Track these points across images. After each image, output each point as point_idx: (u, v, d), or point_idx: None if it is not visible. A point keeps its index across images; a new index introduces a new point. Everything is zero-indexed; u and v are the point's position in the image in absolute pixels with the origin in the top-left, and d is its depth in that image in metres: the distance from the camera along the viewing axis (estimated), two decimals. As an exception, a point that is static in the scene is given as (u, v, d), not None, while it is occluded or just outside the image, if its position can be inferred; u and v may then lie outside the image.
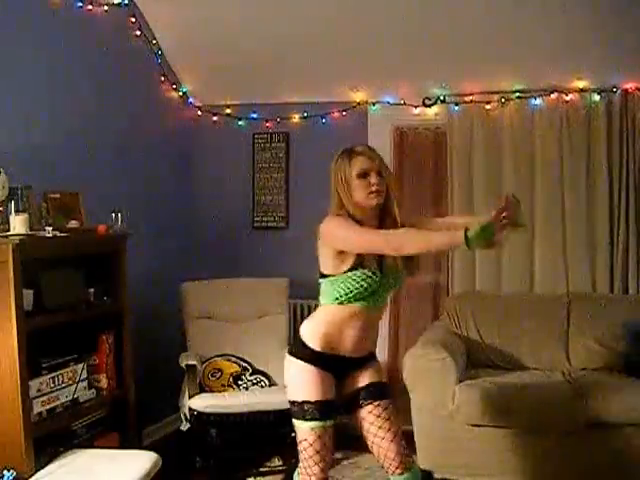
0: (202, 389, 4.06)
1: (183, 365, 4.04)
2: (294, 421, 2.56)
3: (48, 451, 2.96)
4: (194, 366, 4.03)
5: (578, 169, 4.47)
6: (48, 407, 3.00)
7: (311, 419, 2.51)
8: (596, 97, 4.41)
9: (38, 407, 2.93)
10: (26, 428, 2.79)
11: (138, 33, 4.45)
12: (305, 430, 2.52)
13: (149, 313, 4.34)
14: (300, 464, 2.58)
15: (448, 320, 4.45)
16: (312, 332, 2.58)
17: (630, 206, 4.39)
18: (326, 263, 2.53)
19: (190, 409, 3.87)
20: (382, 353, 4.89)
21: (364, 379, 2.63)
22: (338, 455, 4.16)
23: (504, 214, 2.20)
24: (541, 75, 4.42)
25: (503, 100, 4.57)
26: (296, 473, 2.67)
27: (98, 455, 3.04)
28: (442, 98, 4.67)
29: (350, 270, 2.47)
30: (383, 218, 2.57)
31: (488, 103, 4.61)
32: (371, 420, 2.59)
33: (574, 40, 4.13)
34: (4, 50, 3.33)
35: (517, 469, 3.65)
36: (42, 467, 2.85)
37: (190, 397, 3.91)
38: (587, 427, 3.56)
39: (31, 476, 2.78)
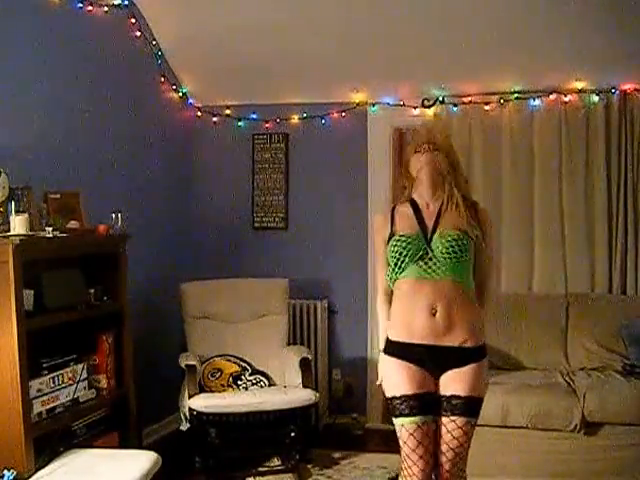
0: (202, 389, 4.06)
1: (183, 365, 4.05)
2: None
3: (48, 451, 2.96)
4: (194, 366, 4.03)
5: (577, 170, 4.48)
6: (48, 407, 3.00)
7: (399, 415, 2.41)
8: (595, 98, 4.43)
9: (38, 407, 2.93)
10: (26, 428, 2.79)
11: (138, 34, 4.45)
12: (397, 427, 2.42)
13: (149, 313, 4.35)
14: (401, 466, 2.48)
15: (447, 320, 4.45)
16: (390, 322, 2.51)
17: (628, 206, 4.40)
18: None
19: (190, 409, 3.87)
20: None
21: (451, 387, 2.42)
22: (337, 455, 4.17)
23: None
24: (540, 76, 4.43)
25: (502, 101, 4.58)
26: (401, 476, 2.53)
27: (98, 455, 3.04)
28: (441, 99, 4.68)
29: (389, 240, 2.47)
30: (443, 207, 2.53)
31: (487, 104, 4.62)
32: (442, 433, 2.43)
33: (573, 41, 4.14)
34: (4, 50, 3.33)
35: (516, 469, 3.66)
36: (42, 467, 2.85)
37: (190, 397, 3.91)
38: (586, 427, 3.57)
39: (31, 476, 2.78)
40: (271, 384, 4.26)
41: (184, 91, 5.02)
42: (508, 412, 3.63)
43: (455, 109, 4.67)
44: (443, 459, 2.43)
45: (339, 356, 4.94)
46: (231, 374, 4.20)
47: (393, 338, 2.48)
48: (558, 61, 4.31)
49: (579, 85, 4.44)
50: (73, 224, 3.43)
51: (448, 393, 2.41)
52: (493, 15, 4.08)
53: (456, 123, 4.68)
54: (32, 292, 2.96)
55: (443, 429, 2.41)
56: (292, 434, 4.01)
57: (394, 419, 2.45)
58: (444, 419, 2.41)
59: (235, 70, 4.76)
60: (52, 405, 3.02)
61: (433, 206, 2.53)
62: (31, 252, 2.88)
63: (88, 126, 3.95)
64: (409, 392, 2.40)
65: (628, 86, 4.38)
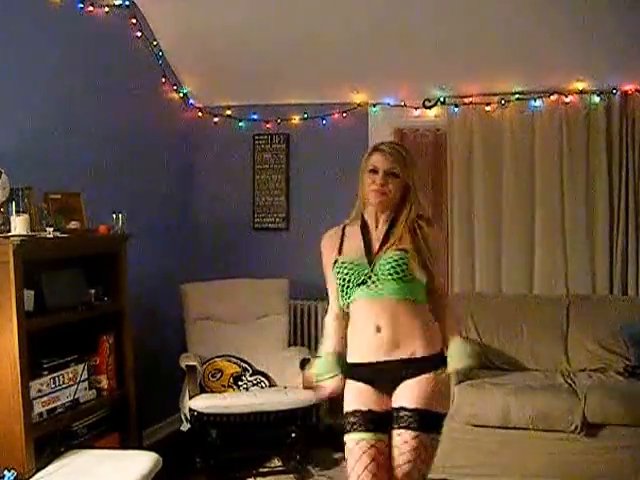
0: (202, 390, 4.06)
1: (183, 366, 4.05)
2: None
3: (49, 451, 2.97)
4: (194, 367, 4.03)
5: (578, 170, 4.48)
6: (49, 407, 3.00)
7: (348, 431, 2.39)
8: (596, 99, 4.42)
9: (39, 407, 2.93)
10: (27, 428, 2.79)
11: (139, 34, 4.45)
12: (347, 442, 2.39)
13: (149, 314, 4.35)
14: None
15: (448, 321, 4.45)
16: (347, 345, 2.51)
17: (630, 207, 4.40)
18: None
19: (190, 410, 3.87)
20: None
21: (400, 398, 2.36)
22: (337, 455, 4.17)
23: None
24: (541, 77, 4.43)
25: (503, 102, 4.58)
26: None
27: (99, 455, 3.04)
28: (442, 100, 4.68)
29: (333, 264, 2.48)
30: (392, 226, 2.48)
31: (488, 105, 4.61)
32: (391, 446, 2.33)
33: (574, 42, 4.14)
34: (4, 51, 3.33)
35: (516, 469, 3.66)
36: (43, 467, 2.86)
37: (190, 398, 3.91)
38: (586, 428, 3.56)
39: (32, 476, 2.78)
40: (272, 385, 4.25)
41: (185, 91, 5.02)
42: (509, 413, 3.63)
43: (456, 110, 4.67)
44: (395, 476, 2.30)
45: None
46: (232, 375, 4.20)
47: (349, 360, 2.48)
48: (559, 62, 4.30)
49: (580, 86, 4.44)
50: (74, 224, 3.43)
51: (397, 405, 2.35)
52: (494, 16, 4.07)
53: (457, 124, 4.68)
54: (33, 292, 2.97)
55: (392, 443, 2.32)
56: (293, 435, 4.01)
57: (345, 436, 2.42)
58: (393, 432, 2.33)
59: (236, 71, 4.76)
60: (53, 405, 3.03)
61: (382, 227, 2.51)
62: (32, 252, 2.88)
63: (89, 126, 3.95)
64: (360, 408, 2.39)
65: (629, 87, 4.38)
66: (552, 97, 4.50)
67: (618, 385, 3.80)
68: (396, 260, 2.38)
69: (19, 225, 2.90)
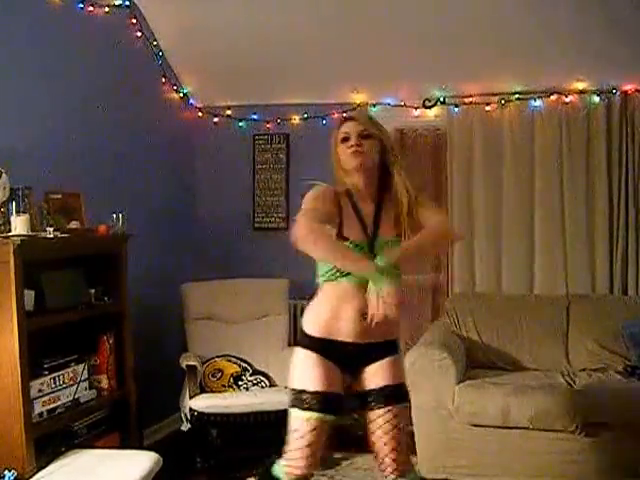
0: (203, 389, 4.06)
1: (183, 365, 4.05)
2: (289, 409, 2.44)
3: (49, 451, 2.97)
4: (194, 366, 4.04)
5: (578, 170, 4.48)
6: (49, 407, 3.00)
7: (308, 409, 2.37)
8: (596, 99, 4.42)
9: (39, 407, 2.93)
10: (27, 428, 2.79)
11: (139, 34, 4.45)
12: (300, 420, 2.39)
13: (150, 314, 4.35)
14: (287, 455, 2.44)
15: (448, 320, 4.46)
16: (310, 317, 2.48)
17: (629, 207, 4.40)
18: None
19: (191, 409, 3.88)
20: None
21: (379, 379, 2.44)
22: (338, 455, 4.17)
23: None
24: (541, 77, 4.43)
25: (503, 101, 4.58)
26: (278, 464, 2.50)
27: (99, 455, 3.04)
28: (442, 99, 4.68)
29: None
30: (381, 199, 2.44)
31: (488, 104, 4.62)
32: (379, 424, 2.43)
33: (574, 42, 4.14)
34: (4, 51, 3.33)
35: (517, 469, 3.66)
36: (43, 467, 2.85)
37: (191, 397, 3.91)
38: (586, 427, 3.56)
39: (32, 476, 2.78)
40: (272, 384, 4.26)
41: (185, 91, 5.02)
42: (509, 413, 3.63)
43: (456, 110, 4.67)
44: (387, 450, 2.43)
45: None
46: (232, 374, 4.20)
47: (313, 334, 2.44)
48: (559, 62, 4.30)
49: (580, 86, 4.44)
50: (74, 224, 3.44)
51: (379, 385, 2.42)
52: (494, 15, 4.08)
53: (457, 124, 4.69)
54: (33, 292, 2.97)
55: (380, 420, 2.41)
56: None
57: (298, 411, 2.39)
58: (379, 411, 2.41)
59: (236, 71, 4.76)
60: (53, 405, 3.03)
61: (370, 206, 2.46)
62: (32, 252, 2.88)
63: (89, 126, 3.95)
64: (322, 389, 2.38)
65: (629, 87, 4.38)
66: (552, 97, 4.50)
67: (618, 385, 3.80)
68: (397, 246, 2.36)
69: (19, 225, 2.90)
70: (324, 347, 2.41)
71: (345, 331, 2.39)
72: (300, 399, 2.39)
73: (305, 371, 2.42)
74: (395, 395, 2.43)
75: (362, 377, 2.46)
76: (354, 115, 2.52)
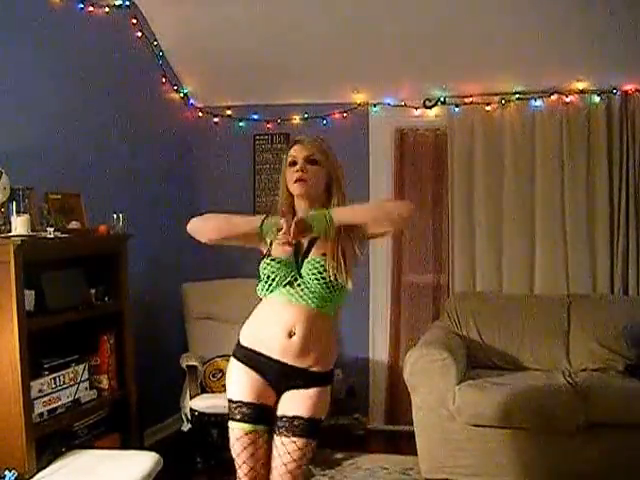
0: (203, 390, 4.06)
1: (184, 366, 4.05)
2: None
3: (49, 452, 2.97)
4: (195, 367, 4.03)
5: (578, 170, 4.48)
6: (49, 408, 3.00)
7: (231, 419, 2.37)
8: (596, 98, 4.42)
9: (39, 407, 2.93)
10: (27, 429, 2.79)
11: (139, 34, 4.45)
12: (231, 432, 2.38)
13: (150, 314, 4.35)
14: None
15: (448, 320, 4.45)
16: (243, 327, 2.48)
17: (630, 207, 4.40)
18: None
19: (191, 410, 3.87)
20: (383, 353, 4.90)
21: (293, 407, 2.36)
22: (339, 455, 4.17)
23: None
24: (541, 76, 4.43)
25: (503, 101, 4.58)
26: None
27: (99, 455, 3.04)
28: (443, 99, 4.68)
29: (263, 257, 2.40)
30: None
31: (488, 104, 4.62)
32: (279, 452, 2.35)
33: (574, 41, 4.15)
34: (5, 51, 3.33)
35: (517, 469, 3.66)
36: (43, 467, 2.85)
37: (191, 398, 3.91)
38: (587, 427, 3.56)
39: (32, 476, 2.78)
40: (272, 385, 4.25)
41: (185, 92, 5.02)
42: (510, 413, 3.63)
43: (456, 109, 4.67)
44: (276, 479, 2.36)
45: (341, 357, 4.89)
46: (232, 375, 4.19)
47: (242, 343, 2.44)
48: (559, 62, 4.31)
49: (580, 86, 4.44)
50: (74, 224, 3.44)
51: (290, 413, 2.35)
52: (494, 15, 4.08)
53: (457, 123, 4.68)
54: (33, 292, 2.97)
55: (281, 449, 2.34)
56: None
57: (229, 421, 2.40)
58: (283, 439, 2.34)
59: (236, 71, 4.76)
60: (53, 406, 3.02)
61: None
62: (32, 252, 2.88)
63: (89, 126, 3.95)
64: (245, 399, 2.36)
65: (629, 87, 4.38)
66: (552, 97, 4.50)
67: (619, 385, 3.80)
68: (317, 267, 2.32)
69: (20, 225, 2.90)
70: (251, 358, 2.40)
71: (269, 345, 2.36)
72: (229, 409, 2.40)
73: (232, 381, 2.43)
74: (304, 429, 2.34)
75: (283, 400, 2.39)
76: (302, 139, 2.45)
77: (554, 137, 4.51)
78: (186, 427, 4.02)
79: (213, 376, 4.17)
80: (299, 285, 2.33)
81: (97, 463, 2.93)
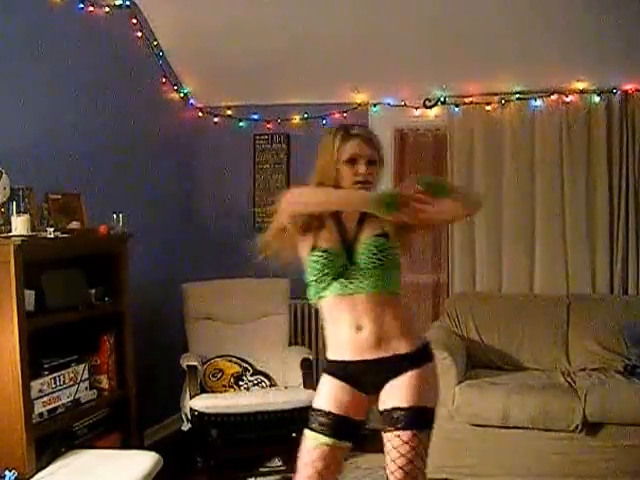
0: (203, 389, 4.06)
1: (184, 366, 4.05)
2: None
3: (49, 451, 2.97)
4: (195, 367, 4.03)
5: (578, 170, 4.48)
6: (49, 407, 3.00)
7: (309, 428, 2.24)
8: (596, 98, 4.42)
9: (39, 407, 2.93)
10: (27, 428, 2.79)
11: (139, 34, 4.45)
12: (306, 440, 2.24)
13: (150, 314, 4.35)
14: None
15: (448, 320, 4.46)
16: (326, 341, 2.32)
17: (630, 207, 4.40)
18: None
19: (191, 409, 3.87)
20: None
21: (392, 399, 2.19)
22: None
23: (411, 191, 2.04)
24: (541, 76, 4.43)
25: (503, 101, 4.58)
26: None
27: (99, 455, 3.05)
28: (442, 99, 4.68)
29: (312, 251, 2.26)
30: (363, 216, 2.26)
31: (488, 104, 4.62)
32: (388, 449, 2.19)
33: (574, 41, 4.15)
34: (5, 51, 3.33)
35: (517, 469, 3.66)
36: (43, 467, 2.86)
37: (191, 397, 3.91)
38: (587, 427, 3.57)
39: (32, 476, 2.78)
40: (272, 385, 4.26)
41: (185, 91, 5.03)
42: (509, 412, 3.63)
43: (456, 109, 4.67)
44: (389, 477, 2.19)
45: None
46: (232, 374, 4.20)
47: (330, 357, 2.30)
48: (559, 61, 4.31)
49: (580, 85, 4.44)
50: (74, 224, 3.44)
51: (389, 406, 2.19)
52: (494, 15, 4.08)
53: (457, 123, 4.69)
54: (33, 292, 2.97)
55: (388, 446, 2.18)
56: (293, 434, 3.99)
57: (306, 431, 2.26)
58: (388, 435, 2.18)
59: (236, 70, 4.76)
60: (53, 406, 3.03)
61: (353, 223, 2.29)
62: (32, 252, 2.88)
63: (89, 126, 3.95)
64: (326, 409, 2.23)
65: (629, 86, 4.38)
66: (552, 97, 4.50)
67: (618, 385, 3.80)
68: (377, 247, 2.21)
69: (20, 225, 2.90)
70: (338, 368, 2.26)
71: (345, 349, 2.23)
72: (313, 417, 2.26)
73: (319, 391, 2.30)
74: (407, 420, 2.16)
75: (381, 396, 2.23)
76: (361, 133, 2.27)
77: (554, 137, 4.51)
78: (186, 427, 4.02)
79: (213, 376, 4.17)
80: (354, 272, 2.20)
81: (97, 463, 2.93)
